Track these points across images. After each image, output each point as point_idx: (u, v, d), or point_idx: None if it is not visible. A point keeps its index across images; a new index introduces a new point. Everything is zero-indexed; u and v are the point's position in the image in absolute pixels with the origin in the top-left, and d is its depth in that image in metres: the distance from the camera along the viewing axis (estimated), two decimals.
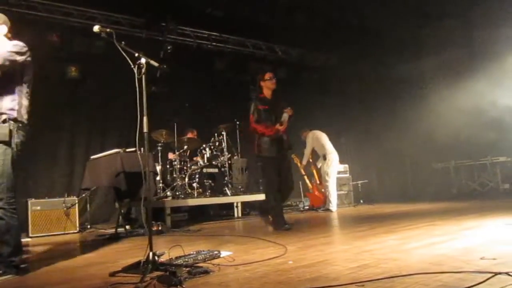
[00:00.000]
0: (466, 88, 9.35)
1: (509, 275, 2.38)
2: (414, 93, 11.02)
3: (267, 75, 6.03)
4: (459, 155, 11.13)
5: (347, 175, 9.93)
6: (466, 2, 8.35)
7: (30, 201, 6.74)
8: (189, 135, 8.75)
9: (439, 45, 9.52)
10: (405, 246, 3.80)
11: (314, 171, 9.68)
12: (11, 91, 3.50)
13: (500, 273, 2.42)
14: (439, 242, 3.90)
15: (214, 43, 10.41)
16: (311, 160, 9.53)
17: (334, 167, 9.14)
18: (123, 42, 3.55)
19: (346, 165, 9.99)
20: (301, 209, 9.62)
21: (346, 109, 10.42)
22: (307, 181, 9.75)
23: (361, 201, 10.17)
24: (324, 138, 9.27)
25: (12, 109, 3.46)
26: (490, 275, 2.39)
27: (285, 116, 5.81)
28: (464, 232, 4.50)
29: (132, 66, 3.54)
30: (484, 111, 9.22)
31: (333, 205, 8.94)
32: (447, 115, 10.13)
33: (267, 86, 6.04)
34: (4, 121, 3.41)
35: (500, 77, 9.13)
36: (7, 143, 3.39)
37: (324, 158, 9.18)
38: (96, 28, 3.55)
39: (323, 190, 9.33)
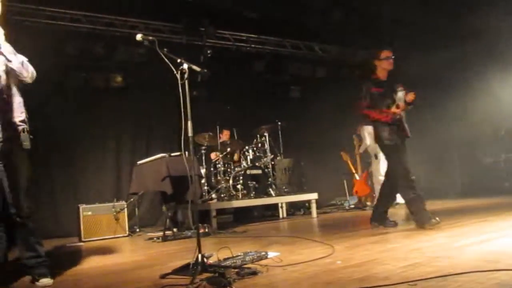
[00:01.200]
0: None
1: None
2: (461, 84, 10.65)
3: (384, 53, 5.44)
4: (509, 147, 10.67)
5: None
6: None
7: (82, 207, 6.97)
8: (221, 137, 8.80)
9: (485, 33, 9.15)
10: (456, 243, 3.70)
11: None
12: (20, 102, 3.49)
13: None
14: (492, 238, 3.78)
15: (253, 45, 10.45)
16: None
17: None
18: (165, 49, 3.63)
19: None
20: (347, 208, 9.50)
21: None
22: (353, 169, 9.56)
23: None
24: None
25: (24, 121, 3.45)
26: None
27: (400, 96, 5.18)
28: None
29: (175, 72, 3.61)
30: None
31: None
32: (497, 106, 9.73)
33: (383, 66, 5.44)
34: (23, 131, 3.42)
35: None
36: (29, 152, 3.46)
37: (376, 157, 9.07)
38: (139, 36, 3.64)
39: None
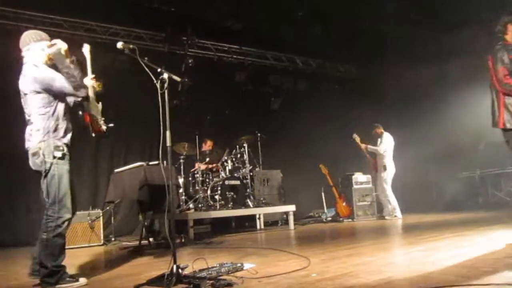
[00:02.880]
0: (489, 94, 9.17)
1: None
2: (437, 101, 10.87)
3: None
4: (484, 163, 10.89)
5: (370, 185, 9.84)
6: (489, 9, 8.23)
7: None
8: (204, 146, 8.82)
9: (461, 51, 9.39)
10: (431, 257, 3.73)
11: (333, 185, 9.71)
12: None
13: None
14: (466, 253, 3.82)
15: (235, 56, 10.50)
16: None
17: (390, 178, 9.23)
18: (146, 58, 3.61)
19: (369, 176, 9.90)
20: (324, 220, 9.55)
21: (367, 119, 10.36)
22: (335, 191, 9.70)
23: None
24: (392, 145, 9.37)
25: None
26: None
27: None
28: (491, 243, 4.40)
29: (155, 81, 3.60)
30: None
31: (398, 211, 9.04)
32: (472, 123, 9.94)
33: None
34: None
35: None
36: None
37: (385, 168, 9.20)
38: (119, 44, 3.62)
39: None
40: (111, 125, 4.05)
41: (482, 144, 10.62)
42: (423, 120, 10.93)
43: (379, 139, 9.36)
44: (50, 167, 3.48)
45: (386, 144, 9.25)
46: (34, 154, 3.54)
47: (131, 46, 3.65)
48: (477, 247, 4.16)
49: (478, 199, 10.89)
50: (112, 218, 8.07)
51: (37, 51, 3.69)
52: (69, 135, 3.70)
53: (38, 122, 3.54)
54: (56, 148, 3.53)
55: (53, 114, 3.58)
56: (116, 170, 6.71)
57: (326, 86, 12.04)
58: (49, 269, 3.39)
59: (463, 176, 11.41)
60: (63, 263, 3.50)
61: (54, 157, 3.50)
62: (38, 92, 3.53)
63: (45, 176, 3.48)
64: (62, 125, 3.64)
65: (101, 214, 7.27)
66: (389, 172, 9.16)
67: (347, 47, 10.28)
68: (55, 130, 3.58)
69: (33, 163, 3.58)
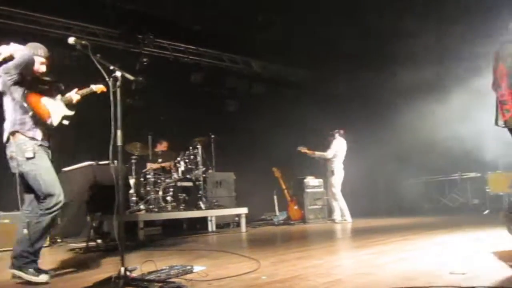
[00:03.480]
0: (439, 105, 9.58)
1: None
2: (388, 110, 11.23)
3: None
4: (430, 170, 11.36)
5: (322, 189, 10.01)
6: (445, 19, 8.59)
7: None
8: (159, 147, 8.70)
9: (412, 62, 9.75)
10: (378, 260, 3.84)
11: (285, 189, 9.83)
12: None
13: None
14: (411, 257, 3.96)
15: (191, 56, 10.42)
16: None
17: (338, 182, 9.40)
18: (98, 55, 3.51)
19: (321, 180, 10.09)
20: (276, 223, 9.62)
21: (319, 125, 10.57)
22: (287, 195, 9.81)
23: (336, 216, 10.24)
24: (343, 151, 9.52)
25: None
26: None
27: None
28: (435, 247, 4.59)
29: (107, 79, 3.52)
30: (455, 128, 9.46)
31: (347, 214, 9.21)
32: (419, 131, 10.35)
33: None
34: None
35: (474, 95, 9.38)
36: None
37: (333, 173, 9.36)
38: (71, 40, 3.53)
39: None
40: (66, 122, 4.02)
41: (434, 153, 10.98)
42: (375, 126, 11.25)
43: (330, 145, 9.55)
44: (26, 168, 3.66)
45: (335, 149, 9.43)
46: (10, 158, 3.71)
47: (83, 42, 3.58)
48: (422, 251, 4.32)
49: (424, 205, 11.33)
50: (59, 218, 7.77)
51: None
52: (38, 130, 3.76)
53: (8, 114, 3.73)
54: (25, 149, 3.65)
55: (20, 107, 3.68)
56: (63, 169, 6.49)
57: (281, 90, 12.17)
58: (18, 252, 3.55)
59: (410, 182, 11.85)
60: (36, 252, 3.62)
61: (27, 158, 3.64)
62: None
63: (27, 176, 3.67)
64: (30, 120, 3.70)
65: None
66: (337, 177, 9.35)
67: (302, 52, 10.43)
68: (22, 123, 3.68)
69: (12, 167, 3.74)
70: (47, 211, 3.66)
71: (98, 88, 4.54)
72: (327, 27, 9.37)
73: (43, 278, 3.51)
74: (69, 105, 4.13)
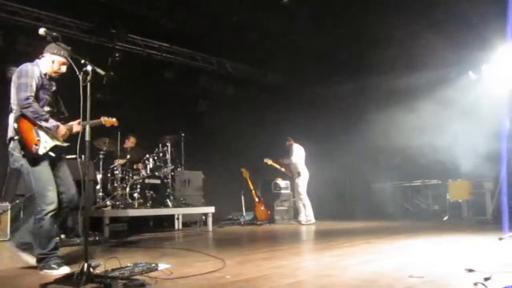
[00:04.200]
0: (405, 112, 9.84)
1: None
2: (358, 116, 11.45)
3: None
4: (395, 176, 11.64)
5: (288, 191, 10.13)
6: (411, 28, 8.82)
7: None
8: (127, 143, 8.60)
9: (379, 66, 9.99)
10: (340, 263, 3.93)
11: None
12: None
13: None
14: (372, 260, 4.07)
15: (164, 54, 10.34)
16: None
17: (305, 183, 9.58)
18: (69, 48, 3.47)
19: (288, 182, 10.21)
20: (242, 223, 9.68)
21: (289, 127, 10.70)
22: (255, 195, 9.87)
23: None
24: (303, 154, 9.74)
25: None
26: None
27: None
28: (396, 250, 4.73)
29: (78, 73, 3.48)
30: (421, 136, 9.75)
31: (311, 216, 9.38)
32: (385, 138, 10.60)
33: None
34: None
35: (441, 104, 9.67)
36: None
37: (299, 174, 9.50)
38: (42, 30, 3.45)
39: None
40: (52, 154, 3.85)
41: (398, 159, 11.28)
42: (344, 131, 11.44)
43: (290, 151, 9.74)
44: (22, 165, 3.70)
45: (295, 154, 9.64)
46: (9, 153, 3.78)
47: (54, 33, 3.52)
48: (383, 254, 4.44)
49: (388, 209, 11.60)
50: (22, 212, 7.59)
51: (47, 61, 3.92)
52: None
53: (14, 110, 3.80)
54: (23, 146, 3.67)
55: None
56: None
57: (253, 92, 12.22)
58: (37, 256, 3.70)
59: (376, 187, 12.10)
60: (51, 251, 3.71)
61: (24, 155, 3.67)
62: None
63: (22, 172, 3.73)
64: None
65: (9, 207, 6.82)
66: (302, 178, 9.52)
67: (276, 56, 10.52)
68: None
69: (11, 162, 3.81)
70: (42, 214, 3.67)
71: (108, 121, 4.57)
72: (301, 32, 9.50)
73: (63, 270, 3.61)
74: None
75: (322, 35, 9.50)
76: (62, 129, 3.80)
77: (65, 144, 3.94)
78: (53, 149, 3.79)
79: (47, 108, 3.87)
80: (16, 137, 3.71)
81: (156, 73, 10.26)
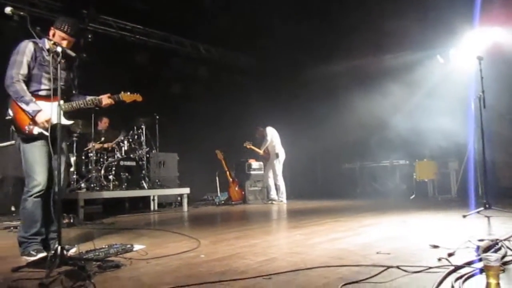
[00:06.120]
0: (374, 95, 10.05)
1: (400, 268, 2.65)
2: (326, 96, 11.62)
3: None
4: (364, 157, 11.92)
5: (262, 172, 10.28)
6: (378, 11, 8.94)
7: None
8: (100, 124, 8.54)
9: (350, 50, 10.12)
10: (310, 241, 4.05)
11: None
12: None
13: (392, 267, 2.68)
14: (341, 237, 4.20)
15: (138, 36, 10.21)
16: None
17: (281, 164, 9.81)
18: (38, 28, 3.37)
19: (261, 163, 10.35)
20: (217, 203, 9.79)
21: (262, 109, 10.79)
22: (229, 176, 9.97)
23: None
24: (277, 136, 9.91)
25: None
26: (383, 268, 2.65)
27: None
28: (364, 228, 4.88)
29: (47, 54, 3.44)
30: (388, 117, 9.99)
31: (284, 197, 9.69)
32: (355, 120, 10.83)
33: None
34: None
35: (408, 87, 9.89)
36: None
37: (277, 155, 9.71)
38: (8, 9, 3.30)
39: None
40: (46, 133, 3.63)
41: (368, 140, 11.55)
42: (316, 114, 11.61)
43: (264, 134, 9.93)
44: (19, 144, 3.68)
45: (270, 134, 9.89)
46: (12, 131, 3.73)
47: (21, 13, 3.30)
48: (352, 232, 4.59)
49: (357, 189, 11.89)
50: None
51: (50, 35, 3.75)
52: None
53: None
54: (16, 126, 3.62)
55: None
56: None
57: (226, 75, 12.22)
58: (18, 238, 3.65)
59: (345, 167, 12.37)
60: (32, 236, 3.61)
61: (18, 135, 3.67)
62: None
63: (19, 151, 3.70)
64: None
65: None
66: (280, 159, 9.72)
67: (250, 39, 10.52)
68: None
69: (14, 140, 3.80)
70: (27, 195, 3.64)
71: (129, 96, 4.87)
72: (274, 16, 9.50)
73: (40, 255, 3.48)
74: (70, 112, 3.88)
75: (293, 19, 9.54)
76: (42, 115, 3.56)
77: (68, 122, 3.83)
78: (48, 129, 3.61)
79: (44, 86, 3.70)
80: (9, 117, 3.64)
81: (129, 55, 10.13)
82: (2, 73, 3.65)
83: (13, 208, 7.76)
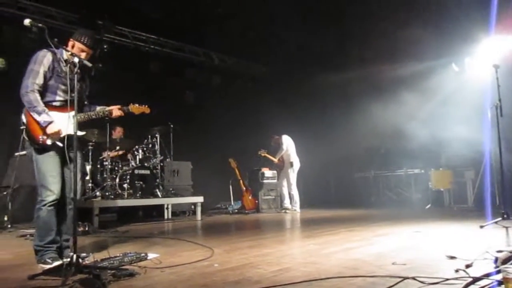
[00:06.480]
0: (388, 103, 9.98)
1: (416, 279, 2.61)
2: (340, 104, 11.59)
3: None
4: (378, 166, 11.83)
5: (275, 181, 10.26)
6: (393, 20, 8.91)
7: None
8: (114, 134, 8.61)
9: (364, 58, 10.10)
10: (324, 250, 4.02)
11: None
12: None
13: (407, 278, 2.64)
14: (355, 247, 4.16)
15: (152, 46, 10.31)
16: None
17: (295, 173, 9.79)
18: (56, 39, 3.43)
19: (275, 171, 10.33)
20: (230, 212, 9.79)
21: (275, 117, 10.80)
22: (242, 185, 9.98)
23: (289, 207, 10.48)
24: (293, 145, 9.94)
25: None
26: (399, 279, 2.62)
27: None
28: (378, 238, 4.82)
29: (64, 65, 3.49)
30: (403, 126, 9.90)
31: (298, 206, 9.64)
32: (369, 128, 10.76)
33: None
34: None
35: (421, 93, 9.82)
36: None
37: (291, 164, 9.68)
38: (27, 21, 3.37)
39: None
40: (60, 144, 3.73)
41: (382, 149, 11.51)
42: (329, 123, 11.58)
43: (280, 143, 9.93)
44: (30, 153, 3.72)
45: (286, 143, 9.86)
46: (22, 140, 3.76)
47: (40, 24, 3.39)
48: (366, 242, 4.54)
49: (371, 198, 11.78)
50: (10, 204, 7.58)
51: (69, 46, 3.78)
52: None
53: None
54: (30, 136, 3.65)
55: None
56: (16, 154, 6.35)
57: (239, 83, 12.27)
58: (34, 247, 3.66)
59: (359, 176, 12.29)
60: (48, 244, 3.62)
61: (31, 144, 3.68)
62: None
63: (31, 160, 3.72)
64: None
65: None
66: (295, 168, 9.69)
67: (263, 48, 10.57)
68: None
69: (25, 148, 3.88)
70: (41, 204, 3.66)
71: (137, 108, 4.96)
72: (285, 24, 9.53)
73: (56, 263, 3.50)
74: (82, 123, 3.86)
75: (306, 27, 9.55)
76: (53, 127, 3.57)
77: (81, 133, 3.74)
78: (62, 140, 3.67)
79: (59, 97, 3.73)
80: (23, 127, 3.68)
81: (143, 65, 10.24)
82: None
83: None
